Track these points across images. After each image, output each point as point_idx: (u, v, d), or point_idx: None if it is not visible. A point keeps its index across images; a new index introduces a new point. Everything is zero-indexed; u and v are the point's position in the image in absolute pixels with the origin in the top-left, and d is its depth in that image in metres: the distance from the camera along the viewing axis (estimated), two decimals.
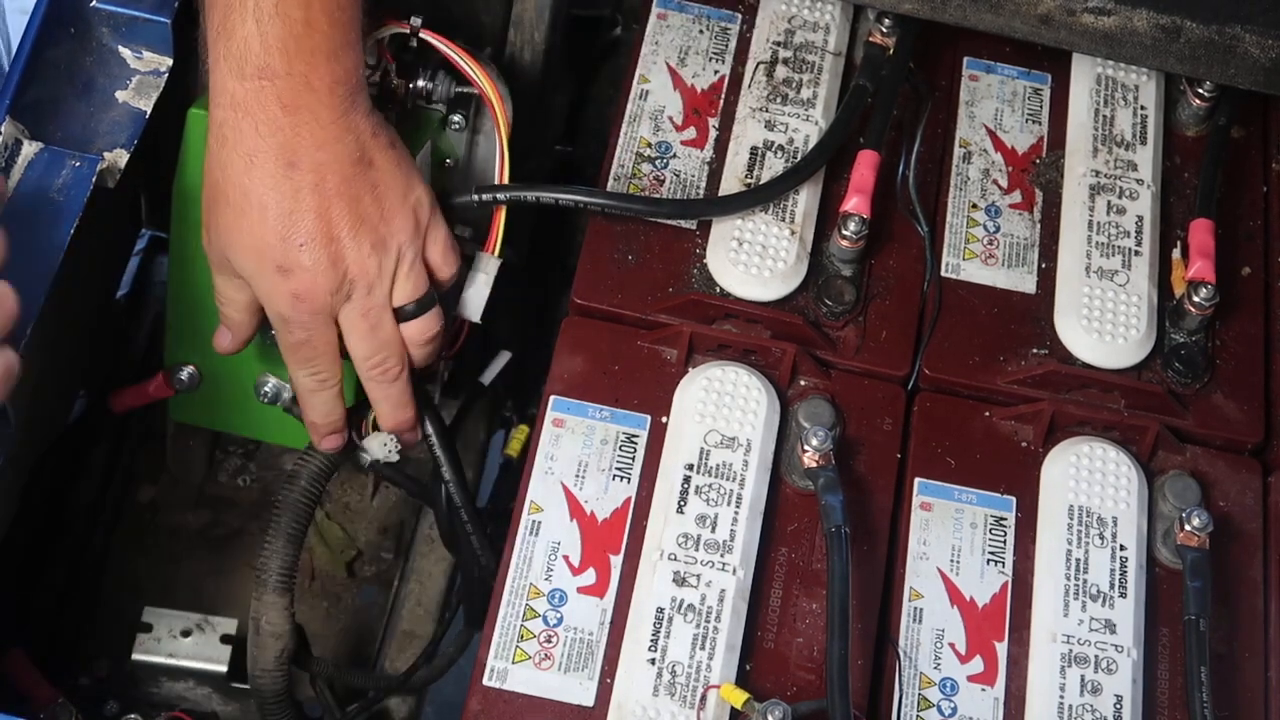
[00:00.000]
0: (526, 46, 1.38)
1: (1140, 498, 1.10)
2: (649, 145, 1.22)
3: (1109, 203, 1.21)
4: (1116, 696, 1.03)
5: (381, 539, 1.50)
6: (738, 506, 1.06)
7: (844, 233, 1.15)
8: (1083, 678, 1.03)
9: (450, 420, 1.27)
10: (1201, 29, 1.21)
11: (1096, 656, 1.04)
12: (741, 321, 1.14)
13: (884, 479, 1.11)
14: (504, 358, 1.29)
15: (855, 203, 1.16)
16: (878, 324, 1.16)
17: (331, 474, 1.21)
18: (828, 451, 1.07)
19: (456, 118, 1.23)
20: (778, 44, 1.26)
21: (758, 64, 1.25)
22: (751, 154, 1.20)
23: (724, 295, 1.15)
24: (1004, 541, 1.09)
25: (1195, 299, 1.15)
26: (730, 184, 1.19)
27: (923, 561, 1.08)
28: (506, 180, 1.16)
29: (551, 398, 1.11)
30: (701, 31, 1.28)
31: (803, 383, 1.14)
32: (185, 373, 1.29)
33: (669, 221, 1.18)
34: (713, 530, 1.05)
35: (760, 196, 1.17)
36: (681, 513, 1.06)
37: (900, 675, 1.04)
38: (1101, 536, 1.08)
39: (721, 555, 1.04)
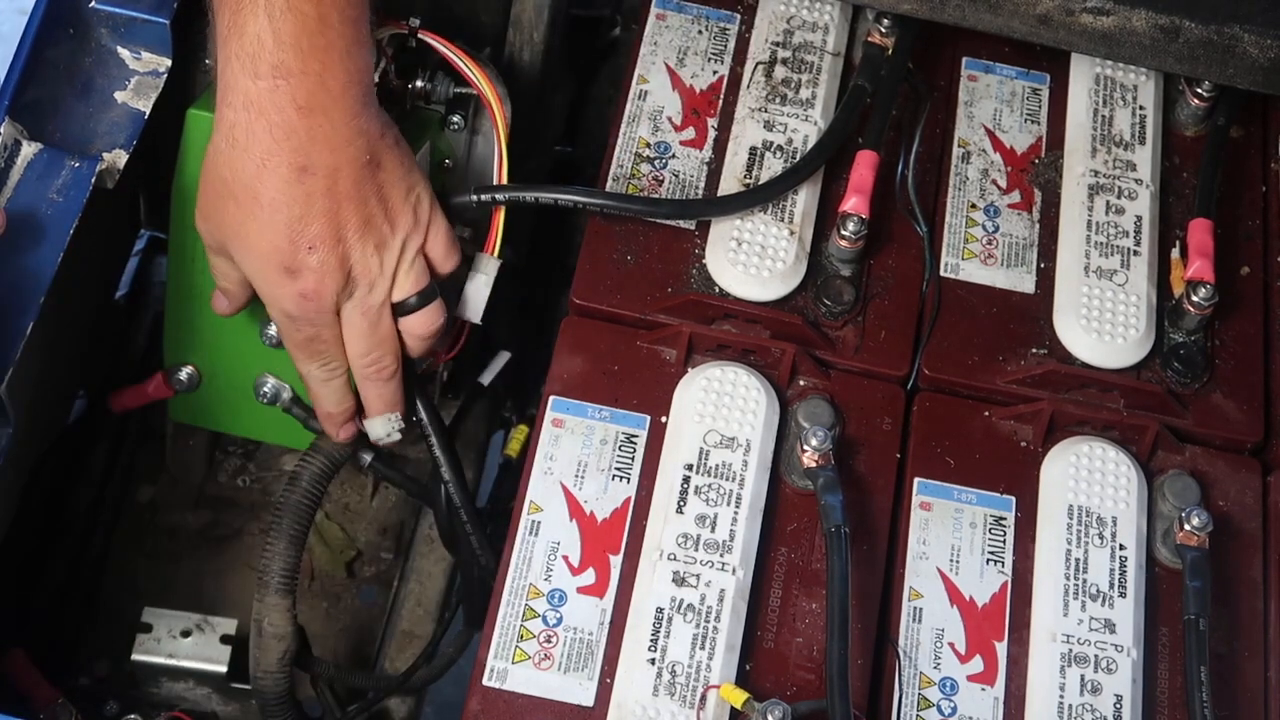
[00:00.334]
0: (526, 46, 1.39)
1: (1140, 497, 1.10)
2: (648, 145, 1.22)
3: (1108, 202, 1.21)
4: (1116, 696, 1.03)
5: (381, 539, 1.50)
6: (737, 506, 1.06)
7: (843, 233, 1.15)
8: (1082, 677, 1.03)
9: (450, 420, 1.27)
10: (1200, 29, 1.21)
11: (1096, 656, 1.04)
12: (741, 321, 1.14)
13: (883, 479, 1.11)
14: (504, 358, 1.29)
15: (854, 203, 1.16)
16: (877, 324, 1.16)
17: (333, 475, 1.21)
18: (827, 451, 1.07)
19: (455, 118, 1.23)
20: (776, 44, 1.26)
21: (756, 64, 1.25)
22: (750, 154, 1.20)
23: (723, 295, 1.15)
24: (1004, 541, 1.09)
25: (1194, 299, 1.15)
26: (729, 184, 1.19)
27: (922, 561, 1.08)
28: (505, 180, 1.16)
29: (551, 398, 1.11)
30: (700, 32, 1.28)
31: (802, 383, 1.14)
32: (184, 373, 1.29)
33: (668, 222, 1.18)
34: (712, 530, 1.05)
35: (759, 197, 1.17)
36: (681, 513, 1.06)
37: (900, 675, 1.04)
38: (1101, 536, 1.08)
39: (721, 555, 1.04)
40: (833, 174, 1.21)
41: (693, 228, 1.18)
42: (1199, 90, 1.26)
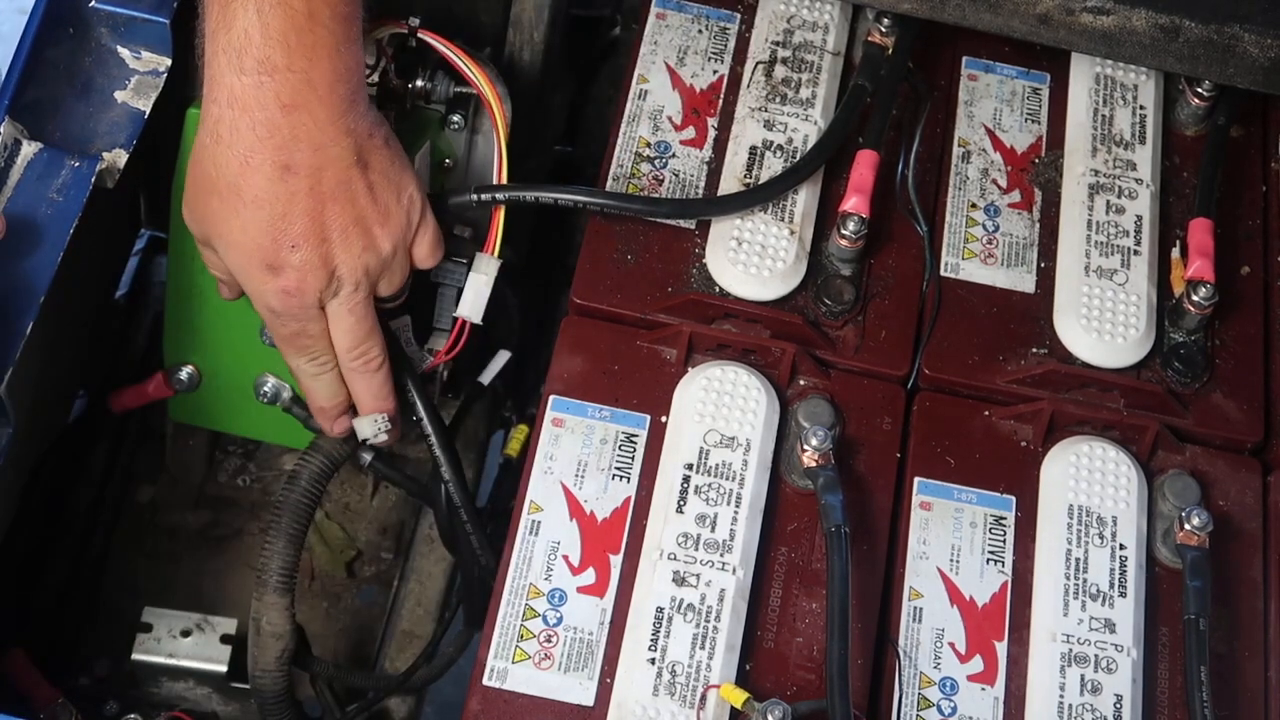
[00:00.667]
0: (526, 46, 1.39)
1: (1140, 497, 1.10)
2: (648, 145, 1.22)
3: (1108, 202, 1.21)
4: (1116, 696, 1.03)
5: (381, 539, 1.50)
6: (737, 506, 1.06)
7: (843, 232, 1.15)
8: (1082, 677, 1.03)
9: (450, 420, 1.27)
10: (1200, 28, 1.21)
11: (1096, 656, 1.04)
12: (741, 321, 1.14)
13: (884, 479, 1.11)
14: (503, 358, 1.29)
15: (854, 202, 1.16)
16: (877, 323, 1.16)
17: (332, 474, 1.21)
18: (827, 451, 1.07)
19: (455, 118, 1.23)
20: (776, 44, 1.26)
21: (756, 64, 1.25)
22: (750, 154, 1.20)
23: (723, 295, 1.15)
24: (1004, 541, 1.09)
25: (1194, 298, 1.15)
26: (729, 184, 1.19)
27: (922, 561, 1.08)
28: (505, 180, 1.16)
29: (551, 397, 1.11)
30: (700, 31, 1.28)
31: (802, 382, 1.14)
32: (184, 373, 1.29)
33: (668, 221, 1.18)
34: (712, 530, 1.05)
35: (759, 196, 1.17)
36: (681, 512, 1.06)
37: (900, 675, 1.04)
38: (1101, 536, 1.08)
39: (721, 555, 1.04)
40: (833, 174, 1.21)
41: (693, 227, 1.18)
42: (1199, 90, 1.26)
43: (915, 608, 1.06)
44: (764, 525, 1.07)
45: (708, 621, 1.02)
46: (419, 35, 1.16)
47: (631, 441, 1.10)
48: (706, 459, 1.08)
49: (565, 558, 1.05)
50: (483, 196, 1.15)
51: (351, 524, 1.50)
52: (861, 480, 1.11)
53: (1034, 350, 1.16)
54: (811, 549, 1.08)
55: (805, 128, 1.22)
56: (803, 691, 1.02)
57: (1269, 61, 1.21)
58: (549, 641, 1.02)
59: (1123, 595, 1.06)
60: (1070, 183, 1.22)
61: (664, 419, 1.11)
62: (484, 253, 1.16)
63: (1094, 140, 1.24)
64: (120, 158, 1.12)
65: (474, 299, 1.16)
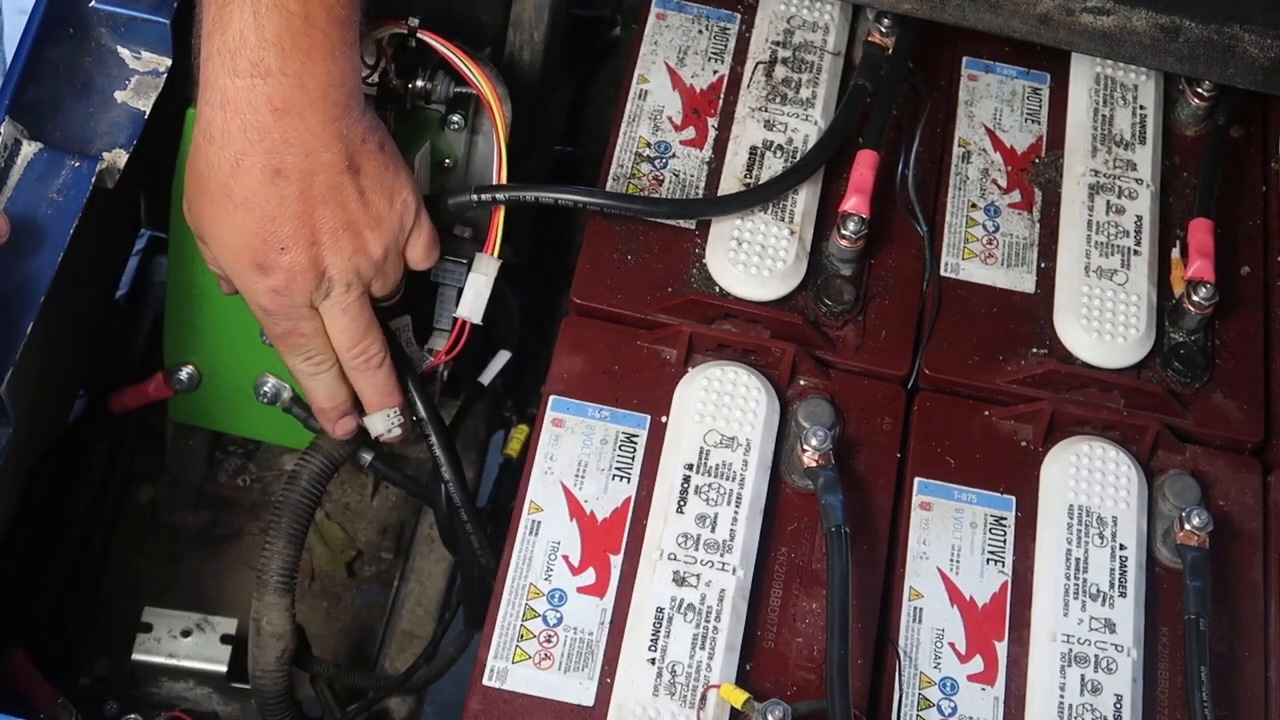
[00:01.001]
0: (526, 46, 1.39)
1: (1140, 497, 1.10)
2: (648, 145, 1.22)
3: (1108, 202, 1.21)
4: (1116, 696, 1.03)
5: (381, 539, 1.50)
6: (737, 506, 1.06)
7: (843, 232, 1.15)
8: (1083, 677, 1.03)
9: (450, 420, 1.27)
10: (1200, 28, 1.21)
11: (1096, 656, 1.04)
12: (741, 321, 1.14)
13: (884, 479, 1.11)
14: (503, 358, 1.29)
15: (854, 202, 1.16)
16: (877, 323, 1.16)
17: (332, 475, 1.21)
18: (827, 451, 1.07)
19: (455, 118, 1.23)
20: (777, 44, 1.26)
21: (757, 64, 1.25)
22: (750, 154, 1.20)
23: (723, 295, 1.15)
24: (1004, 541, 1.09)
25: (1195, 298, 1.15)
26: (729, 184, 1.19)
27: (923, 561, 1.08)
28: (505, 180, 1.16)
29: (551, 397, 1.11)
30: (700, 31, 1.28)
31: (802, 382, 1.14)
32: (185, 373, 1.29)
33: (668, 221, 1.18)
34: (712, 530, 1.05)
35: (759, 196, 1.17)
36: (681, 512, 1.06)
37: (900, 675, 1.04)
38: (1101, 536, 1.08)
39: (721, 555, 1.04)
40: (833, 174, 1.21)
41: (693, 227, 1.18)
42: (1199, 90, 1.26)
43: (915, 608, 1.06)
44: (764, 525, 1.07)
45: (708, 621, 1.02)
46: (419, 35, 1.16)
47: (632, 442, 1.10)
48: (707, 459, 1.08)
49: (565, 558, 1.05)
50: (483, 197, 1.15)
51: (351, 524, 1.50)
52: (861, 480, 1.11)
53: (1034, 350, 1.16)
54: (812, 549, 1.08)
55: (805, 128, 1.22)
56: (803, 691, 1.02)
57: (1269, 61, 1.21)
58: (549, 641, 1.02)
59: (1123, 595, 1.06)
60: (1070, 183, 1.22)
61: (664, 419, 1.11)
62: (484, 253, 1.16)
63: (1094, 140, 1.24)
64: (120, 158, 1.12)
65: (474, 299, 1.16)
